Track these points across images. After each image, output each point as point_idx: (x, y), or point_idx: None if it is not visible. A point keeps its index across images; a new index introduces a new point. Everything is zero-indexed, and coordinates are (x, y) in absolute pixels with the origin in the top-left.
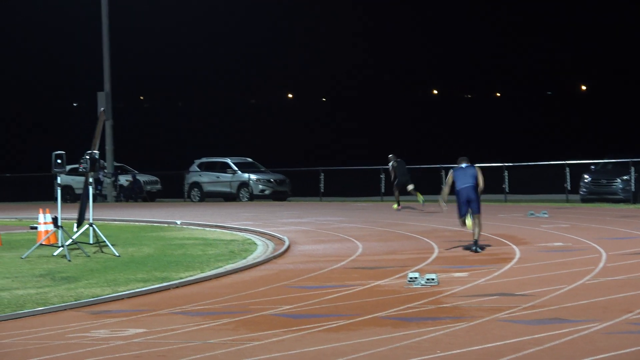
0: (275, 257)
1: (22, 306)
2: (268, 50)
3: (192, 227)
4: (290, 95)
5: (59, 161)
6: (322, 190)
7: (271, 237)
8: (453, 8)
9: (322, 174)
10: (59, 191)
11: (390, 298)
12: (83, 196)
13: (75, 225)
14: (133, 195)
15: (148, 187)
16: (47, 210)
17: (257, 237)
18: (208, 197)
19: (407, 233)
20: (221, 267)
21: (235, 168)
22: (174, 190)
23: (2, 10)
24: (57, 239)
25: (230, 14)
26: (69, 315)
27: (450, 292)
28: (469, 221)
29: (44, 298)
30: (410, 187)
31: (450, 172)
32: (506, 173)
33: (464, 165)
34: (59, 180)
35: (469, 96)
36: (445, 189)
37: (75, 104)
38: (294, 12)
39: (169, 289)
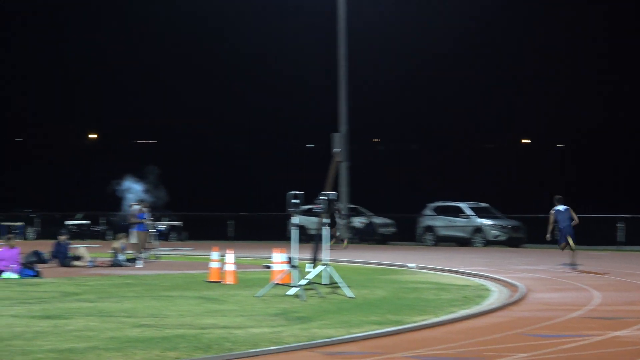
0: (510, 304)
1: (257, 345)
2: (505, 95)
3: (426, 271)
4: (526, 140)
5: (295, 201)
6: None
7: (505, 283)
8: None
9: None
10: (294, 231)
11: (629, 350)
12: (317, 237)
13: (310, 265)
14: (367, 237)
15: (382, 230)
16: (282, 249)
17: (491, 283)
18: (441, 241)
19: None
20: (455, 312)
21: (470, 213)
22: (407, 233)
23: (235, 50)
24: (291, 279)
25: (465, 58)
26: (303, 355)
27: None
28: (571, 242)
29: (278, 337)
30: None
31: (552, 212)
32: None
33: (562, 208)
34: (294, 220)
35: None
36: (551, 226)
37: (310, 145)
38: (532, 54)
39: (403, 332)
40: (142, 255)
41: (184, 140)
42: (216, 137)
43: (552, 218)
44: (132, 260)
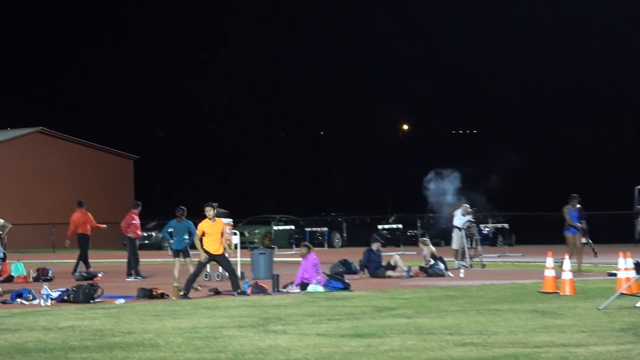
0: None
1: None
2: None
3: None
4: None
5: None
6: None
7: None
8: None
9: None
10: None
11: None
12: None
13: None
14: None
15: None
16: (628, 254)
17: None
18: None
19: None
20: None
21: None
22: None
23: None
24: None
25: None
26: None
27: None
28: None
29: (626, 356)
30: None
31: None
32: None
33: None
34: None
35: None
36: None
37: None
38: None
39: None
40: (465, 263)
41: (508, 128)
42: (546, 124)
43: None
44: (450, 268)
